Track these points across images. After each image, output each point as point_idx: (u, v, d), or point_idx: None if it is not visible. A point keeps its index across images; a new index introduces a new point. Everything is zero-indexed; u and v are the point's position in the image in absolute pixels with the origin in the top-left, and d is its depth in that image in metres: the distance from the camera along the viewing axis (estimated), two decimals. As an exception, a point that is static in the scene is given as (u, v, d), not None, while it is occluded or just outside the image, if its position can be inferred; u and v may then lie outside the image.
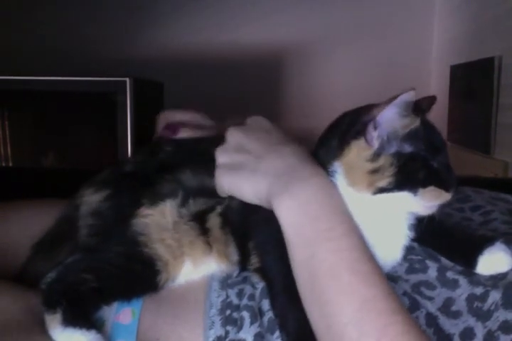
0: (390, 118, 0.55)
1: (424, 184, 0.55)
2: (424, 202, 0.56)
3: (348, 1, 2.53)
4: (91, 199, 0.64)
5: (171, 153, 0.66)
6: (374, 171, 0.55)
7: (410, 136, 0.55)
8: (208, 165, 0.62)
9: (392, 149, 0.55)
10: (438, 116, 2.37)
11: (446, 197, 0.56)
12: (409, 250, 0.63)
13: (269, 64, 2.56)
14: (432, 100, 0.62)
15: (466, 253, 0.59)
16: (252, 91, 2.55)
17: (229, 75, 2.53)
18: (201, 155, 0.64)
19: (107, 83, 1.89)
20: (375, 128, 0.55)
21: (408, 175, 0.55)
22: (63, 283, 0.59)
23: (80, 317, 0.56)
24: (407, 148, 0.55)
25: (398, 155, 0.55)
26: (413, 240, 0.63)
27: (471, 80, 2.00)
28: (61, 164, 2.12)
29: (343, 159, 0.57)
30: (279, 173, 0.57)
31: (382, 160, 0.55)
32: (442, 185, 0.55)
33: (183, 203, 0.61)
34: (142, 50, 2.51)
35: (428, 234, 0.62)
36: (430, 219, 0.57)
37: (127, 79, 1.85)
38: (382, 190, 0.55)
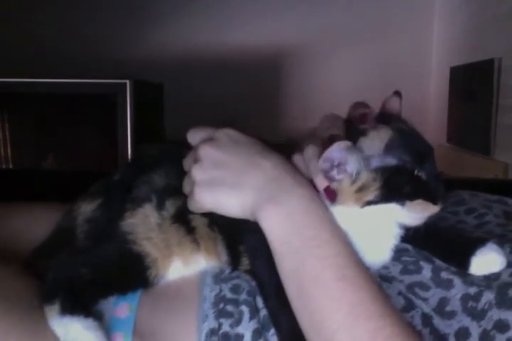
0: (343, 161, 0.55)
1: (411, 197, 0.55)
2: (411, 214, 0.56)
3: (348, 2, 2.53)
4: (86, 209, 0.67)
5: (152, 157, 0.69)
6: (359, 189, 0.56)
7: (389, 149, 0.55)
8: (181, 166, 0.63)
9: (374, 165, 0.55)
10: (438, 117, 2.37)
11: (433, 209, 0.56)
12: (403, 252, 0.63)
13: (269, 65, 2.56)
14: (396, 98, 0.62)
15: (459, 255, 0.60)
16: (251, 92, 2.55)
17: (229, 77, 2.54)
18: (180, 158, 0.65)
19: (107, 85, 1.89)
20: (332, 171, 0.56)
21: (394, 188, 0.55)
22: (61, 276, 0.61)
23: (78, 306, 0.57)
24: (391, 162, 0.55)
25: (382, 170, 0.55)
26: (407, 243, 0.64)
27: (471, 82, 2.00)
28: (61, 166, 2.12)
29: (333, 186, 0.57)
30: (263, 186, 0.57)
31: (364, 178, 0.55)
32: (430, 197, 0.56)
33: (160, 206, 0.64)
34: (142, 52, 2.51)
35: (422, 236, 0.62)
36: (423, 226, 0.58)
37: (127, 81, 1.85)
38: (369, 203, 0.56)
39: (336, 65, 2.57)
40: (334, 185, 0.56)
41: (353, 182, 0.56)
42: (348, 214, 0.57)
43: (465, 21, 2.22)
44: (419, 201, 0.55)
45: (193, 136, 0.63)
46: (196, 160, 0.60)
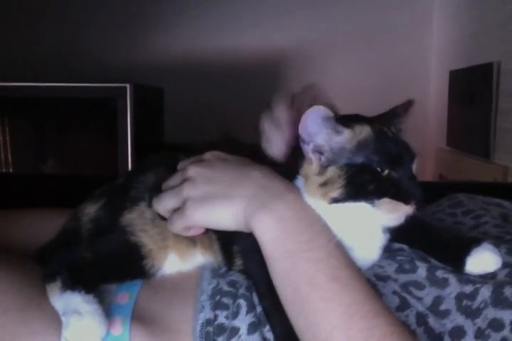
0: (315, 133, 0.57)
1: (378, 196, 0.55)
2: (383, 214, 0.56)
3: (347, 6, 2.54)
4: (90, 210, 0.70)
5: (152, 160, 0.73)
6: (324, 184, 0.57)
7: (360, 147, 0.56)
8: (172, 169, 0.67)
9: (342, 161, 0.56)
10: (437, 120, 2.37)
11: (406, 209, 0.56)
12: (398, 251, 0.64)
13: (269, 70, 2.57)
14: (408, 104, 0.63)
15: (454, 255, 0.60)
16: (251, 97, 2.55)
17: (229, 81, 2.54)
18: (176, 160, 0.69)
19: (107, 89, 1.89)
20: (307, 143, 0.57)
21: (358, 186, 0.55)
22: (64, 258, 0.64)
23: (79, 283, 0.59)
24: (358, 160, 0.56)
25: (347, 167, 0.56)
26: (403, 242, 0.64)
27: (471, 85, 2.00)
28: (61, 170, 2.13)
29: (302, 172, 0.59)
30: (254, 195, 0.58)
31: (330, 173, 0.56)
32: (399, 197, 0.55)
33: (151, 203, 0.67)
34: (142, 56, 2.51)
35: (417, 236, 0.63)
36: (410, 221, 0.58)
37: (127, 85, 1.85)
38: (336, 200, 0.56)
39: (335, 69, 2.58)
40: (303, 169, 0.58)
41: (320, 173, 0.57)
42: (327, 210, 0.58)
43: (464, 25, 2.22)
44: (386, 200, 0.55)
45: (182, 163, 0.66)
46: (187, 180, 0.62)
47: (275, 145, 0.61)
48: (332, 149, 0.57)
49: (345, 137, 0.57)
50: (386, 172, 0.55)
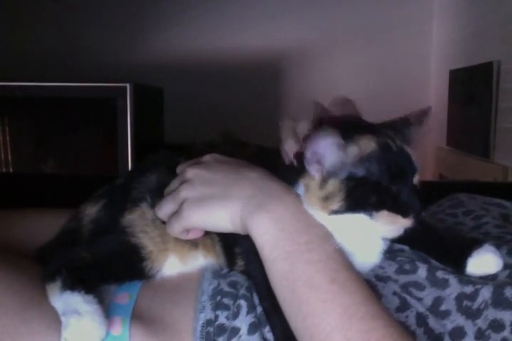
0: (321, 155, 0.56)
1: (376, 208, 0.55)
2: (381, 226, 0.56)
3: (347, 6, 2.53)
4: (91, 211, 0.71)
5: (153, 160, 0.73)
6: (325, 198, 0.56)
7: (362, 161, 0.56)
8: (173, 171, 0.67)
9: (343, 174, 0.56)
10: (437, 120, 2.37)
11: (404, 222, 0.56)
12: (399, 252, 0.64)
13: (269, 69, 2.57)
14: (423, 114, 0.62)
15: (455, 256, 0.60)
16: (251, 96, 2.56)
17: (228, 81, 2.54)
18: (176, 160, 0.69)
19: (107, 89, 1.89)
20: (312, 163, 0.57)
21: (357, 198, 0.55)
22: (64, 258, 0.64)
23: (78, 283, 0.59)
24: (359, 173, 0.56)
25: (348, 180, 0.56)
26: (403, 244, 0.64)
27: (471, 85, 2.00)
28: (61, 170, 2.13)
29: (303, 181, 0.58)
30: (251, 195, 0.58)
31: (331, 187, 0.56)
32: (398, 210, 0.55)
33: (154, 205, 0.67)
34: (142, 56, 2.51)
35: (418, 237, 0.62)
36: (411, 230, 0.57)
37: (127, 85, 1.85)
38: (336, 212, 0.56)
39: (335, 69, 2.58)
40: (304, 180, 0.58)
41: (321, 186, 0.56)
42: (328, 219, 0.58)
43: (464, 24, 2.22)
44: (384, 212, 0.55)
45: (181, 166, 0.66)
46: (185, 181, 0.62)
47: (287, 157, 0.61)
48: (335, 162, 0.56)
49: (351, 154, 0.56)
50: (386, 185, 0.55)
